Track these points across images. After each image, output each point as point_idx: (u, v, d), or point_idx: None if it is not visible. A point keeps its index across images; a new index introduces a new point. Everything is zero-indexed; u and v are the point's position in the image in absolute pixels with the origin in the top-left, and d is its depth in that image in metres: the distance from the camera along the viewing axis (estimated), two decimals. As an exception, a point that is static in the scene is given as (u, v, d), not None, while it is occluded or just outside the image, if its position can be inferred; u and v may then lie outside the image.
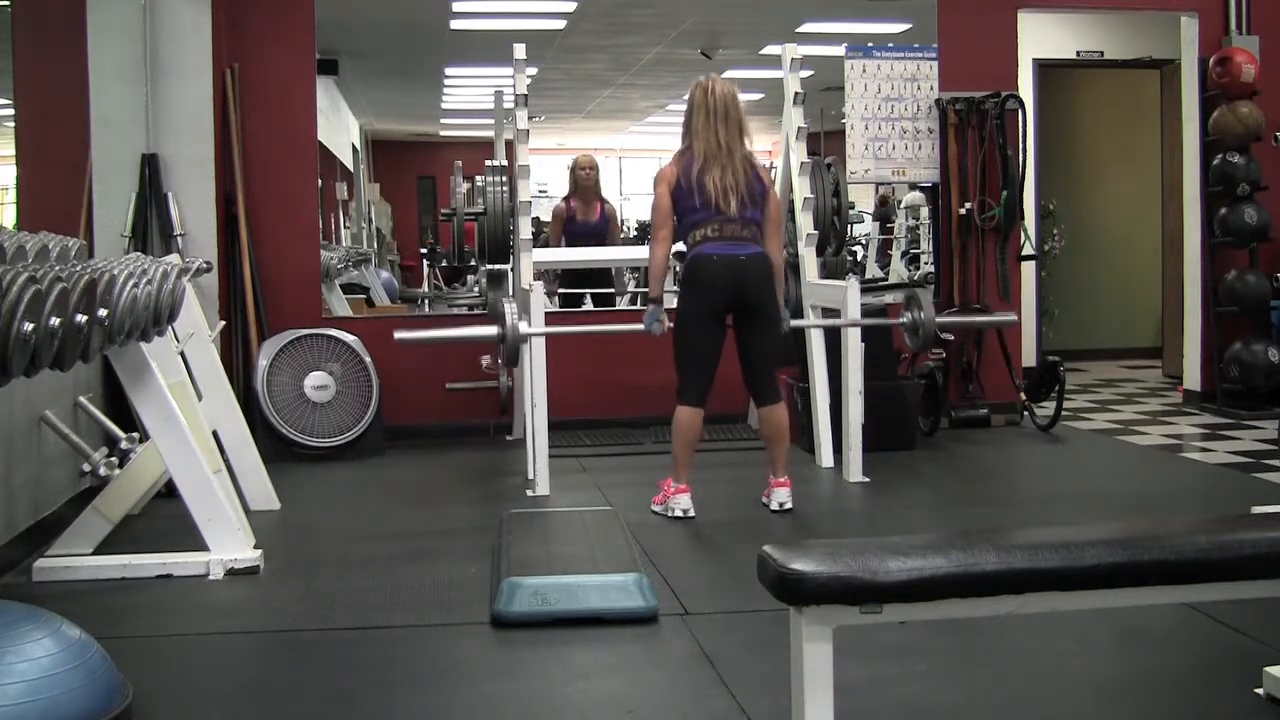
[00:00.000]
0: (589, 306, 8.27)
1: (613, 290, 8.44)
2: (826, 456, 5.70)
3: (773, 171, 6.74)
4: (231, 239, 6.27)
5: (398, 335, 5.00)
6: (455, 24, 8.79)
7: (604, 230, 7.90)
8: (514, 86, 5.89)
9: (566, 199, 8.01)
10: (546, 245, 7.96)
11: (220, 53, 6.14)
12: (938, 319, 5.48)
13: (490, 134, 7.94)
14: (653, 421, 6.38)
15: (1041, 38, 8.24)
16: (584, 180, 7.89)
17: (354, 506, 5.29)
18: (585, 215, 7.87)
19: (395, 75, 11.01)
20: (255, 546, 4.09)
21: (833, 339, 5.59)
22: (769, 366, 4.86)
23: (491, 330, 4.96)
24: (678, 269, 5.05)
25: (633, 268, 8.81)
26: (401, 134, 13.91)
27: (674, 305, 4.90)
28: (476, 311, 7.82)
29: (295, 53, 6.54)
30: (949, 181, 7.06)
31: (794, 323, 5.13)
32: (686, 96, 4.84)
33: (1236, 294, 7.23)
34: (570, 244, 7.85)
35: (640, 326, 4.90)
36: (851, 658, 2.55)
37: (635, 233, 12.93)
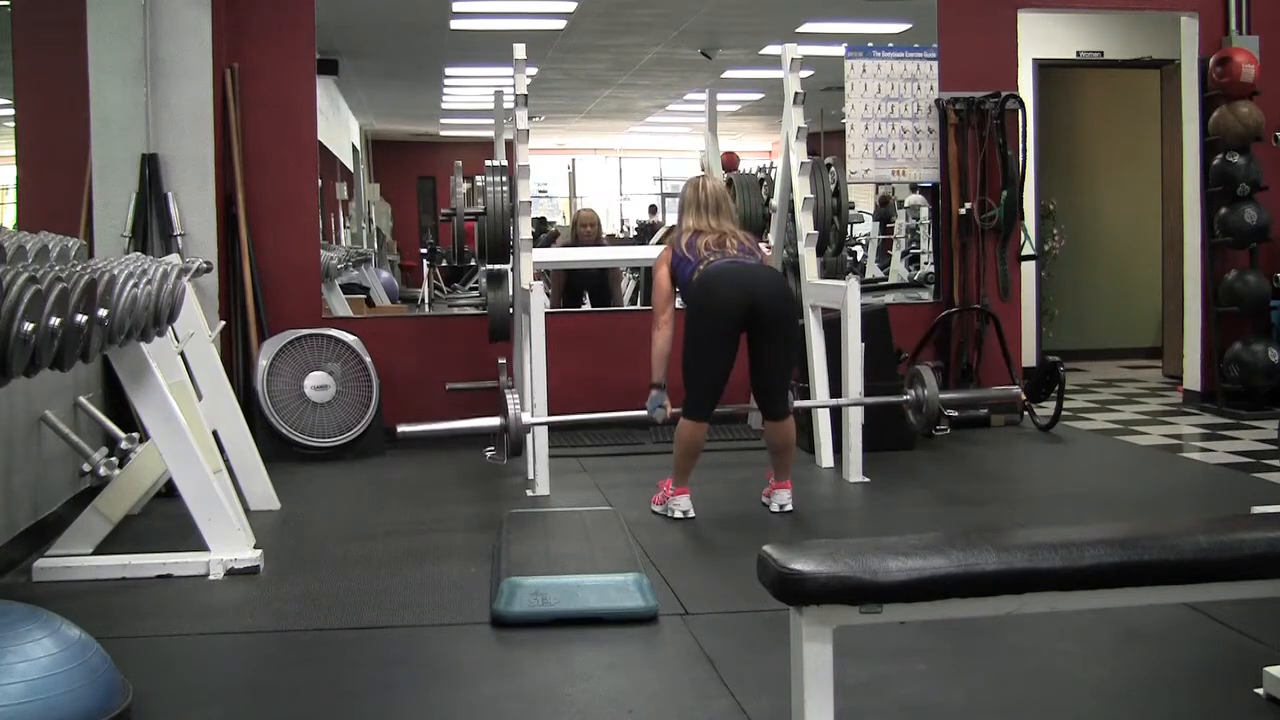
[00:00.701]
0: (587, 305, 8.29)
1: (614, 309, 8.52)
2: (826, 456, 5.70)
3: (773, 171, 6.77)
4: (231, 239, 6.27)
5: (400, 430, 4.94)
6: (455, 24, 8.79)
7: (608, 275, 8.18)
8: (514, 86, 5.89)
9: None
10: (546, 246, 7.99)
11: (220, 53, 6.14)
12: (941, 395, 5.44)
13: (490, 134, 7.94)
14: (648, 420, 6.36)
15: (1041, 38, 8.24)
16: (584, 236, 8.26)
17: (354, 506, 5.28)
18: (586, 267, 8.03)
19: (395, 75, 11.01)
20: (255, 546, 4.09)
21: (833, 339, 5.59)
22: (782, 382, 4.81)
23: (494, 421, 4.93)
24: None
25: (631, 269, 8.83)
26: (401, 134, 13.91)
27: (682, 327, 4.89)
28: (476, 312, 7.81)
29: (295, 53, 6.54)
30: (949, 181, 7.06)
31: (798, 404, 5.21)
32: (679, 194, 4.96)
33: (1236, 294, 7.23)
34: (571, 289, 8.10)
35: (643, 411, 4.93)
36: (851, 658, 2.55)
37: (635, 233, 12.95)
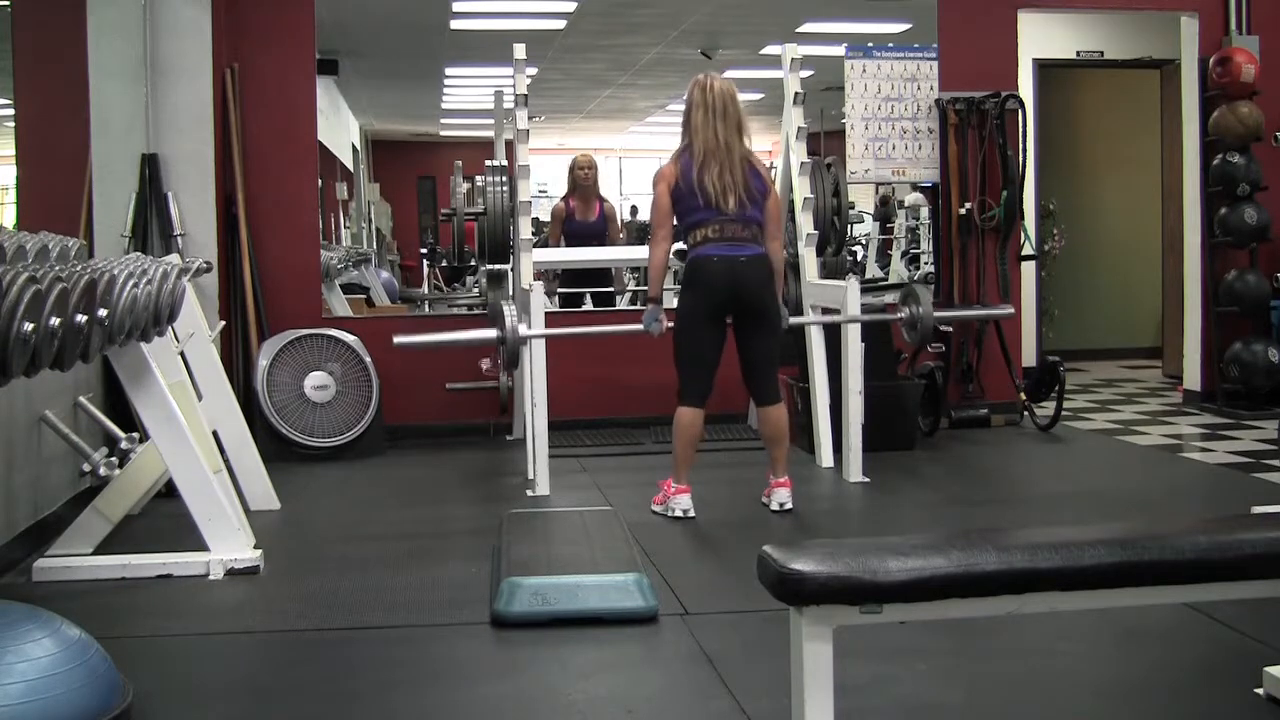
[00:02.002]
0: (589, 306, 8.28)
1: (612, 290, 8.44)
2: (826, 456, 5.69)
3: (773, 171, 6.76)
4: (231, 239, 6.26)
5: (397, 340, 4.99)
6: (455, 24, 8.80)
7: (603, 229, 7.90)
8: (514, 86, 5.89)
9: (565, 198, 8.01)
10: (546, 245, 7.96)
11: (220, 53, 6.14)
12: (935, 313, 5.48)
13: (490, 134, 7.94)
14: (653, 421, 6.38)
15: (1041, 38, 8.23)
16: (583, 180, 7.89)
17: (354, 506, 5.28)
18: (584, 214, 7.86)
19: (395, 75, 11.02)
20: (255, 546, 4.09)
21: (833, 339, 5.59)
22: (769, 367, 4.85)
23: (491, 333, 4.95)
24: (677, 270, 5.05)
25: (632, 268, 8.81)
26: (401, 134, 13.93)
27: (673, 305, 4.90)
28: (476, 312, 7.81)
29: (295, 53, 6.54)
30: (949, 181, 7.06)
31: (793, 320, 5.13)
32: (685, 94, 4.83)
33: (1236, 294, 7.23)
34: (569, 242, 7.86)
35: (639, 326, 4.92)
36: (851, 658, 2.55)
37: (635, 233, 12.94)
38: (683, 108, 4.89)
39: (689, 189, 4.69)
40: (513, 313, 4.91)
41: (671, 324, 4.81)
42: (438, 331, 5.60)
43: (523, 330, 4.92)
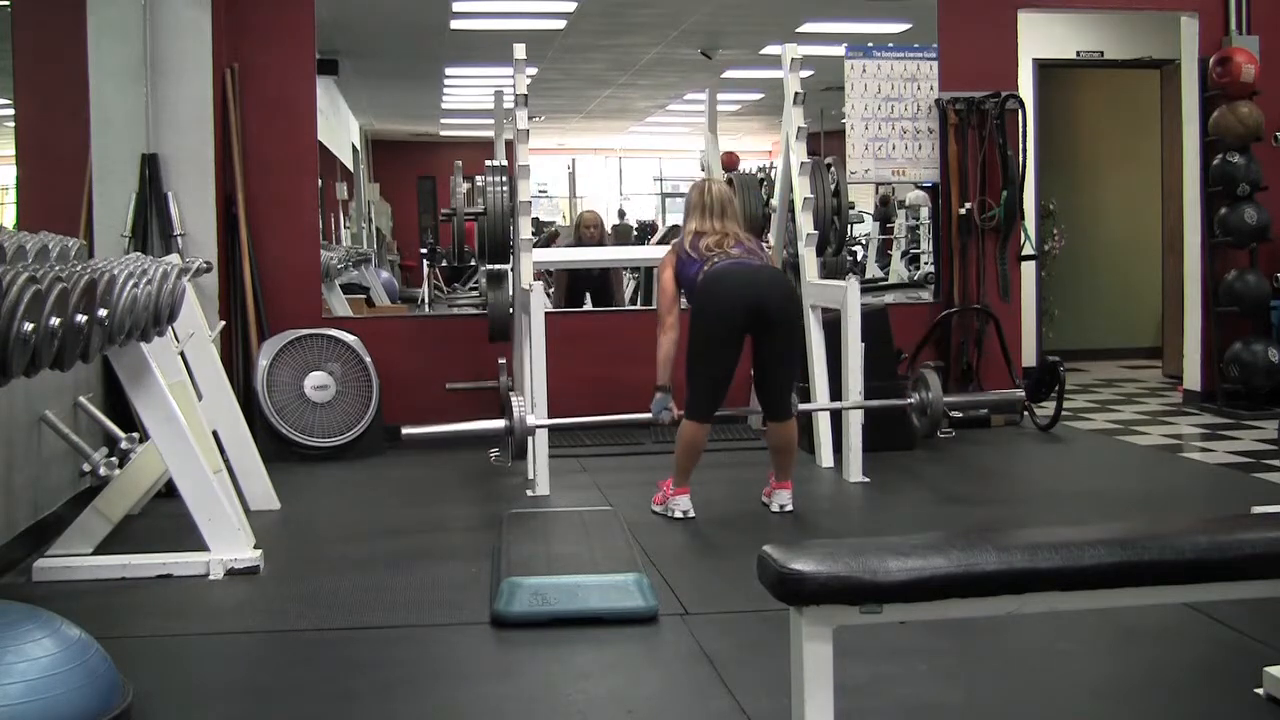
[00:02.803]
0: (589, 306, 8.29)
1: (613, 298, 8.50)
2: (826, 456, 5.70)
3: (773, 171, 6.77)
4: (231, 239, 6.27)
5: (405, 432, 4.92)
6: (455, 24, 8.79)
7: (609, 278, 8.16)
8: (514, 86, 5.89)
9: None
10: (545, 245, 7.99)
11: (220, 53, 6.14)
12: (945, 399, 5.43)
13: (490, 134, 7.95)
14: (653, 422, 6.36)
15: (1041, 38, 8.24)
16: (588, 238, 8.20)
17: (354, 506, 5.29)
18: (589, 267, 8.01)
19: (395, 75, 11.01)
20: (255, 546, 4.09)
21: (833, 339, 5.59)
22: (787, 384, 4.81)
23: (499, 423, 4.92)
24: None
25: (631, 269, 8.83)
26: (401, 134, 13.92)
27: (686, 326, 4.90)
28: (476, 312, 7.81)
29: (295, 53, 6.54)
30: (949, 181, 7.06)
31: (802, 407, 5.20)
32: (685, 198, 4.99)
33: (1236, 294, 7.23)
34: (573, 292, 8.07)
35: (648, 414, 4.93)
36: (851, 658, 2.55)
37: (634, 233, 12.94)
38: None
39: (689, 256, 4.75)
40: (520, 404, 4.88)
41: (680, 412, 4.79)
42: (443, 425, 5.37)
43: (530, 421, 4.91)
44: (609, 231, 9.47)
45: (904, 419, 6.11)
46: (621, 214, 14.34)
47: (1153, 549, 1.93)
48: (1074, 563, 1.89)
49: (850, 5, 8.49)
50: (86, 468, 4.35)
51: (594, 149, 14.75)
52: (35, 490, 4.41)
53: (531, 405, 5.22)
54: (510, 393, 5.08)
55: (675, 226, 5.20)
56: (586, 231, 8.27)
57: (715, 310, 4.61)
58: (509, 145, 6.33)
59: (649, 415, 4.91)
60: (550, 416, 5.24)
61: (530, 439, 5.24)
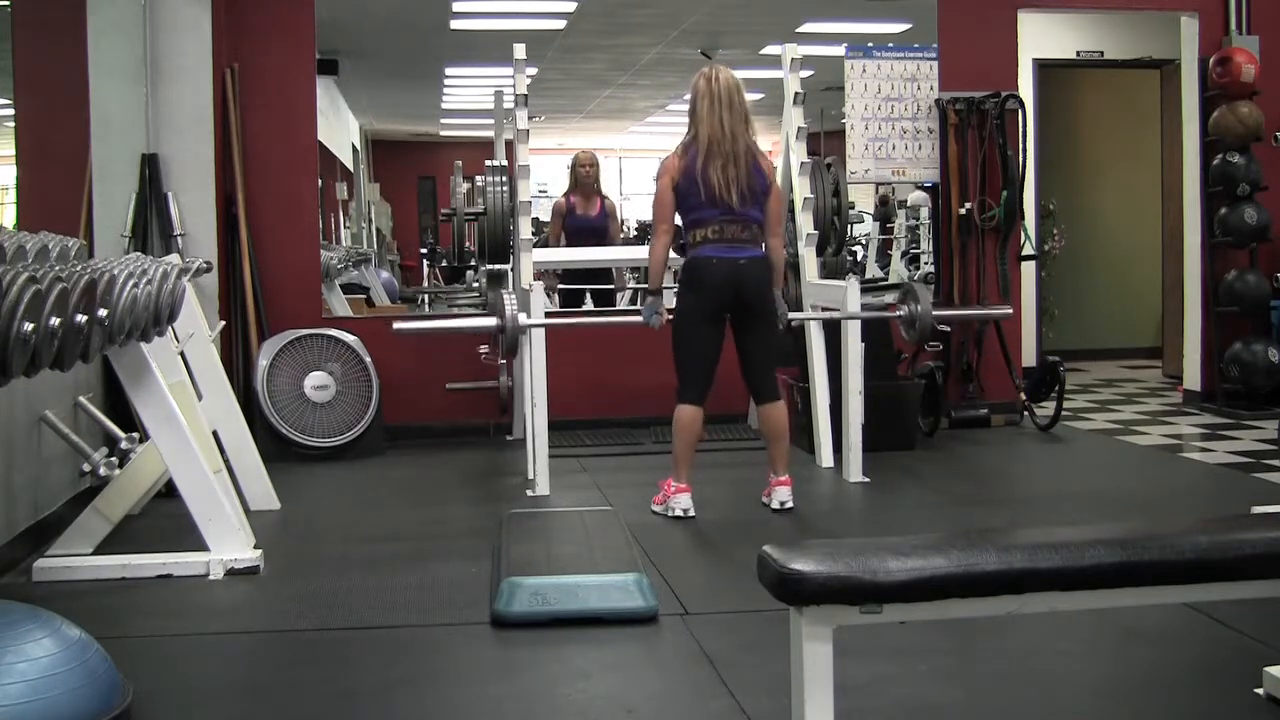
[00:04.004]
0: (590, 307, 8.26)
1: (613, 287, 8.42)
2: (826, 456, 5.69)
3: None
4: (231, 239, 6.26)
5: (396, 325, 5.00)
6: (455, 24, 8.79)
7: (604, 225, 7.88)
8: (514, 86, 5.89)
9: (566, 194, 8.01)
10: (546, 245, 7.95)
11: (220, 53, 6.13)
12: (934, 312, 5.48)
13: (490, 134, 7.93)
14: (653, 421, 6.37)
15: (1041, 38, 8.23)
16: (584, 177, 7.87)
17: (354, 506, 5.28)
18: (585, 209, 7.85)
19: (395, 75, 11.01)
20: (255, 546, 4.09)
21: (833, 339, 5.59)
22: (768, 364, 4.87)
23: (491, 320, 4.96)
24: (676, 271, 5.05)
25: (632, 267, 8.79)
26: (401, 134, 13.90)
27: (672, 303, 4.90)
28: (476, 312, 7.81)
29: (295, 53, 6.54)
30: (949, 181, 7.06)
31: (791, 315, 5.15)
32: (691, 86, 4.81)
33: (1236, 294, 7.23)
34: (570, 238, 7.84)
35: (640, 319, 4.94)
36: (851, 658, 2.55)
37: (635, 233, 12.93)
38: (684, 108, 4.89)
39: (692, 183, 4.68)
40: (512, 302, 4.93)
41: (670, 318, 4.82)
42: (437, 320, 5.58)
43: (522, 319, 4.93)
44: (622, 227, 9.25)
45: (904, 418, 6.13)
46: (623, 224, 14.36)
47: (1153, 549, 1.93)
48: (1074, 563, 1.89)
49: (850, 5, 8.49)
50: (86, 468, 4.35)
51: (594, 149, 14.73)
52: (35, 490, 4.41)
53: (529, 396, 5.23)
54: (503, 293, 5.06)
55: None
56: (582, 170, 7.90)
57: (696, 293, 4.72)
58: (509, 145, 6.33)
59: (640, 319, 4.94)
60: (550, 416, 5.24)
61: (530, 439, 5.24)
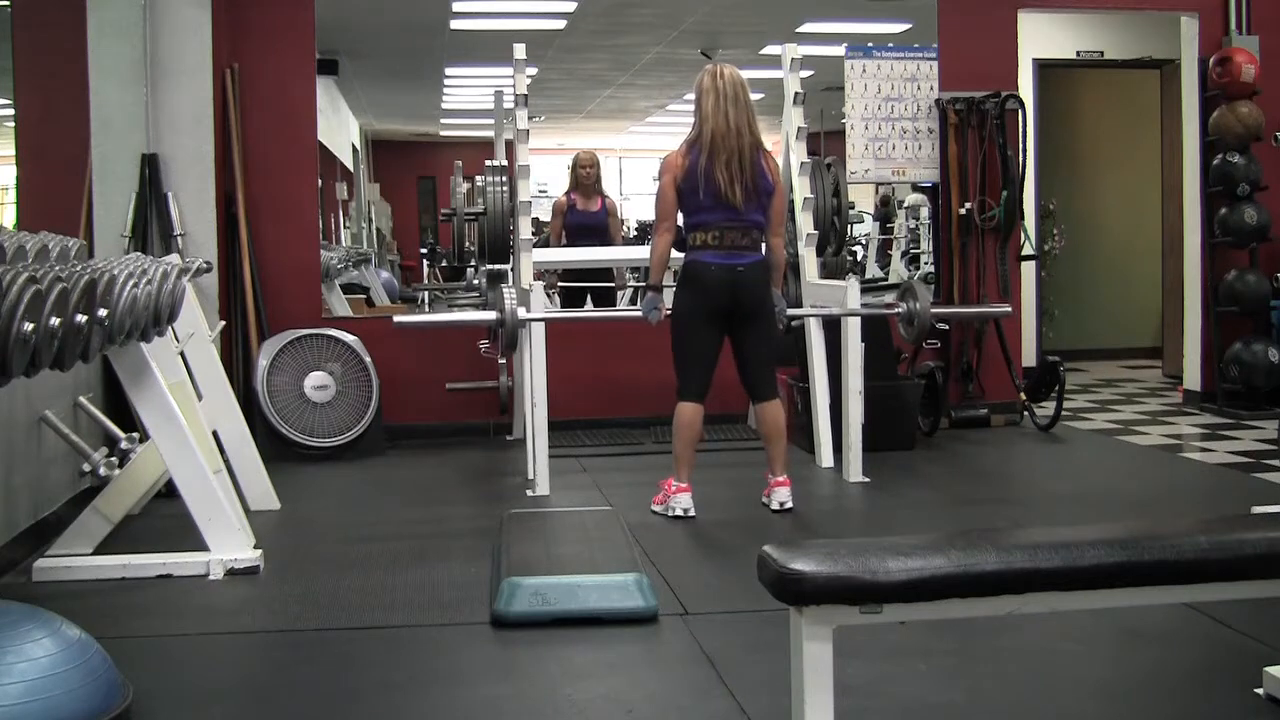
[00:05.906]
0: (590, 307, 8.26)
1: (613, 285, 8.42)
2: (826, 456, 5.69)
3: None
4: (231, 239, 6.26)
5: (397, 319, 5.01)
6: (455, 24, 8.79)
7: (604, 222, 7.87)
8: (514, 86, 5.89)
9: (567, 193, 8.01)
10: (547, 244, 7.95)
11: (220, 53, 6.13)
12: (933, 309, 5.48)
13: (490, 134, 7.94)
14: (653, 421, 6.38)
15: (1041, 38, 8.24)
16: (585, 178, 7.87)
17: (354, 506, 5.28)
18: (585, 206, 7.86)
19: (395, 75, 11.02)
20: (255, 546, 4.09)
21: (833, 339, 5.59)
22: (765, 363, 4.86)
23: (491, 315, 4.97)
24: (677, 271, 5.05)
25: (633, 267, 8.79)
26: (401, 134, 13.92)
27: (668, 300, 4.91)
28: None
29: (295, 53, 6.54)
30: (949, 181, 7.06)
31: (791, 312, 5.15)
32: (695, 83, 4.78)
33: (1236, 294, 7.23)
34: (570, 235, 7.83)
35: (639, 313, 4.96)
36: (851, 658, 2.55)
37: (635, 233, 12.94)
38: (686, 107, 4.90)
39: (695, 182, 4.67)
40: (512, 296, 4.93)
41: (669, 314, 4.82)
42: (437, 315, 5.60)
43: (522, 313, 4.94)
44: (623, 225, 9.25)
45: (904, 418, 6.14)
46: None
47: (1153, 549, 1.93)
48: (1074, 563, 1.89)
49: (850, 5, 8.50)
50: (86, 468, 4.35)
51: (594, 149, 14.73)
52: (35, 490, 4.41)
53: (532, 405, 5.24)
54: (503, 287, 5.07)
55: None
56: (583, 171, 7.87)
57: (694, 294, 4.72)
58: (509, 145, 6.33)
59: (639, 313, 4.95)
60: (550, 416, 5.24)
61: (529, 439, 5.24)
